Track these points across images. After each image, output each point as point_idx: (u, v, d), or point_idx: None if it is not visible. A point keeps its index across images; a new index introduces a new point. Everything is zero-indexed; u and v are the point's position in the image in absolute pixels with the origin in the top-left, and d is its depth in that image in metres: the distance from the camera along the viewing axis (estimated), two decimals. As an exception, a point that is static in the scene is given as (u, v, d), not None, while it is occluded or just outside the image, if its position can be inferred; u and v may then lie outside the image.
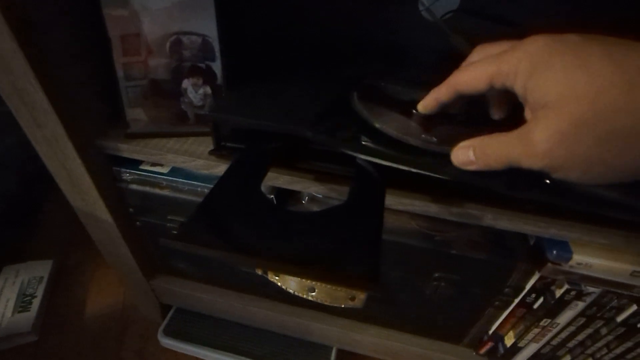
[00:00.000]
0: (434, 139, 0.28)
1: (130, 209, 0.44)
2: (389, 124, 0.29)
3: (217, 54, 0.37)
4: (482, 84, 0.21)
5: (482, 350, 0.47)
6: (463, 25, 0.45)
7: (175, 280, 0.54)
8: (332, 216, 0.25)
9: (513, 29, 0.45)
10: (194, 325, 0.59)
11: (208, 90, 0.39)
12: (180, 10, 0.35)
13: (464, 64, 0.26)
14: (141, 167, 0.41)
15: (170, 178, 0.40)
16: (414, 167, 0.27)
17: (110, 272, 0.66)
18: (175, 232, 0.45)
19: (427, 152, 0.27)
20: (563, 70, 0.17)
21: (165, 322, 0.60)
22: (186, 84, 0.38)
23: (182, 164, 0.37)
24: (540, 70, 0.18)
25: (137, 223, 0.46)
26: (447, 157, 0.24)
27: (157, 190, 0.41)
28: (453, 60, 0.48)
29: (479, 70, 0.22)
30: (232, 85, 0.38)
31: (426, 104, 0.27)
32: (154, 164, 0.41)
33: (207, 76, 0.38)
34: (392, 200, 0.34)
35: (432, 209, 0.34)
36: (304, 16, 0.46)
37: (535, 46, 0.19)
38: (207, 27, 0.36)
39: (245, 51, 0.40)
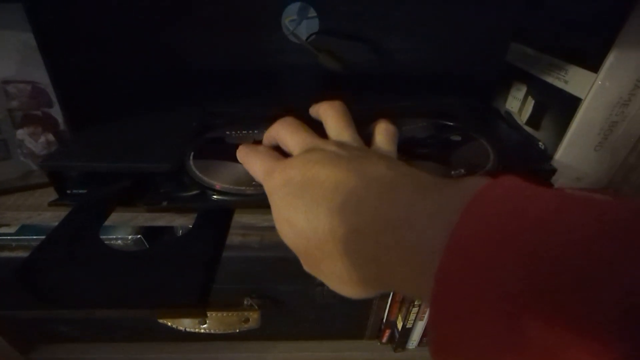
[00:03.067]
0: None
1: (-20, 280, 0.39)
2: (225, 180, 0.31)
3: (54, 99, 0.36)
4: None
5: (384, 339, 0.50)
6: (327, 44, 0.50)
7: (60, 347, 0.49)
8: (169, 248, 0.25)
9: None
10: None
11: (50, 137, 0.37)
12: (2, 59, 0.33)
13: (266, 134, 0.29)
14: (-18, 231, 0.36)
15: (20, 237, 0.37)
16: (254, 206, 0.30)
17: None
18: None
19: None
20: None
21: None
22: (21, 134, 0.35)
23: (28, 220, 0.34)
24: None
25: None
26: None
27: (6, 253, 0.37)
28: (325, 78, 0.52)
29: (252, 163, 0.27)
30: (77, 130, 0.36)
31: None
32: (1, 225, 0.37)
33: (46, 123, 0.36)
34: (256, 219, 0.36)
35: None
36: (155, 49, 0.46)
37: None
38: (36, 72, 0.34)
39: (88, 94, 0.39)
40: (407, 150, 0.32)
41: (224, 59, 0.50)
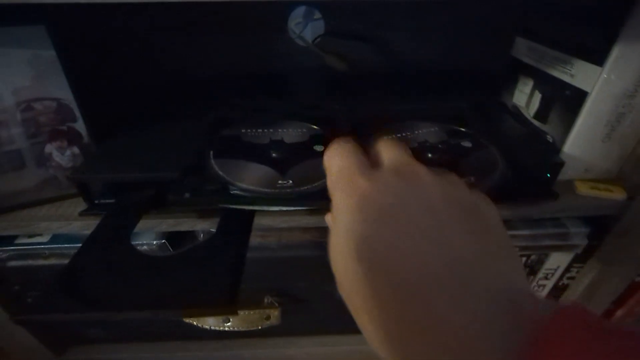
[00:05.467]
0: (290, 182, 0.31)
1: (16, 287, 0.42)
2: (245, 180, 0.31)
3: (78, 114, 0.37)
4: None
5: (400, 332, 0.52)
6: (333, 46, 0.51)
7: (92, 348, 0.51)
8: (197, 251, 0.27)
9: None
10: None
11: (76, 150, 0.38)
12: (27, 78, 0.35)
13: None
14: (17, 241, 0.39)
15: (52, 246, 0.39)
16: (276, 206, 0.31)
17: None
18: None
19: (284, 197, 0.30)
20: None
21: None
22: (49, 148, 0.37)
23: (59, 230, 0.36)
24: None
25: (29, 300, 0.43)
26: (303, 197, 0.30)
27: (41, 261, 0.39)
28: (332, 79, 0.53)
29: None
30: (100, 142, 0.38)
31: None
32: (31, 235, 0.39)
33: (72, 137, 0.38)
34: (274, 221, 0.37)
35: (310, 220, 0.38)
36: (168, 60, 0.48)
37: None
38: (60, 90, 0.36)
39: (108, 106, 0.41)
40: (416, 157, 0.33)
41: (233, 64, 0.51)
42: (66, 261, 0.40)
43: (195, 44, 0.48)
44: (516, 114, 0.45)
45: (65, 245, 0.39)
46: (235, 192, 0.31)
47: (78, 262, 0.25)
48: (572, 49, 0.35)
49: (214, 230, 0.29)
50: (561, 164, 0.35)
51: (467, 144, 0.36)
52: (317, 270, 0.44)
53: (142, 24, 0.45)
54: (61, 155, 0.38)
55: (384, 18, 0.50)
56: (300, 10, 0.51)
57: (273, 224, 0.38)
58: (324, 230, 0.44)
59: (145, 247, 0.39)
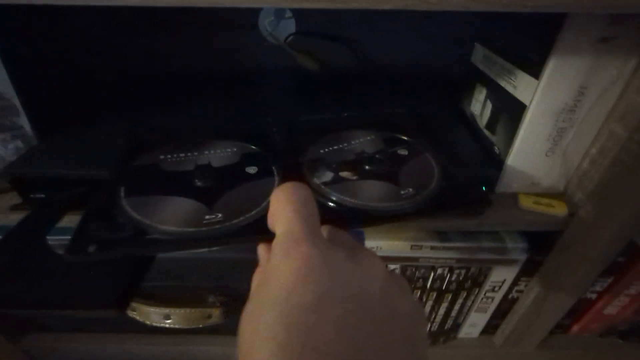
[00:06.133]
0: (219, 216, 0.26)
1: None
2: (166, 220, 0.26)
3: (20, 108, 0.38)
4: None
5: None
6: (304, 45, 0.50)
7: (46, 336, 0.52)
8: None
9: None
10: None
11: (19, 144, 0.39)
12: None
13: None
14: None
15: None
16: (203, 247, 0.27)
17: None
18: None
19: (212, 235, 0.25)
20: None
21: (51, 381, 0.57)
22: (-9, 141, 0.38)
23: (-2, 222, 0.37)
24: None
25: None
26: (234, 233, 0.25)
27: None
28: (303, 79, 0.52)
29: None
30: (44, 136, 0.39)
31: None
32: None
33: (15, 131, 0.38)
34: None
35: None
36: (123, 55, 0.48)
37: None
38: (1, 85, 0.36)
39: (52, 101, 0.41)
40: (356, 168, 0.32)
41: (198, 61, 0.51)
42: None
43: (156, 37, 0.48)
44: (470, 122, 0.44)
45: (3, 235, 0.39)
46: (155, 236, 0.25)
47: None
48: (516, 59, 0.34)
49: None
50: (494, 177, 0.34)
51: (403, 152, 0.35)
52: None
53: (94, 17, 0.45)
54: (4, 149, 0.38)
55: (354, 20, 0.49)
56: (271, 8, 0.50)
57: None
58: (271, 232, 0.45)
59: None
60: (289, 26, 0.51)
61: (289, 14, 0.51)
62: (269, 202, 0.20)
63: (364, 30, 0.49)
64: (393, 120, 0.41)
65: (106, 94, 0.47)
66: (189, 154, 0.33)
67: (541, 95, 0.31)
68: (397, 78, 0.52)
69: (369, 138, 0.37)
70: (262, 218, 0.24)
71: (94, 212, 0.27)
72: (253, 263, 0.44)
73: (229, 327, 0.48)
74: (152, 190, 0.28)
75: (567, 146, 0.35)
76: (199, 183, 0.30)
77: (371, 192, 0.29)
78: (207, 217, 0.26)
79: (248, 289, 0.49)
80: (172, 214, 0.26)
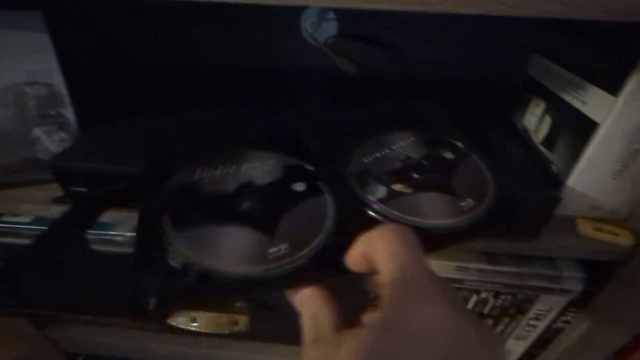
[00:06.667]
0: (286, 248, 0.22)
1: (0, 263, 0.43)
2: (225, 257, 0.22)
3: (68, 101, 0.38)
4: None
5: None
6: (345, 47, 0.49)
7: (73, 327, 0.53)
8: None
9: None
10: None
11: (64, 136, 0.39)
12: (21, 62, 0.35)
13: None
14: (2, 219, 0.40)
15: (34, 227, 0.40)
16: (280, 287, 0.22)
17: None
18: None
19: (287, 272, 0.21)
20: None
21: (73, 371, 0.57)
22: (38, 132, 0.38)
23: (38, 213, 0.37)
24: None
25: None
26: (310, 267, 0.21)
27: (21, 240, 0.40)
28: (340, 80, 0.50)
29: None
30: (87, 129, 0.39)
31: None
32: (16, 214, 0.40)
33: (60, 123, 0.38)
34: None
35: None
36: (169, 53, 0.48)
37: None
38: (53, 76, 0.37)
39: (98, 95, 0.41)
40: (407, 179, 0.29)
41: (239, 60, 0.50)
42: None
43: (198, 38, 0.48)
44: (522, 137, 0.41)
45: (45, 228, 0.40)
46: (220, 281, 0.21)
47: (21, 256, 0.25)
48: (587, 73, 0.32)
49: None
50: (556, 200, 0.31)
51: (449, 155, 0.32)
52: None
53: (142, 14, 0.45)
54: (50, 140, 0.39)
55: (398, 23, 0.47)
56: (314, 9, 0.49)
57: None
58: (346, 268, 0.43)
59: (119, 238, 0.39)
60: (331, 28, 0.50)
61: (331, 16, 0.50)
62: (328, 227, 0.18)
63: (408, 34, 0.47)
64: (432, 118, 0.38)
65: (148, 90, 0.46)
66: (226, 169, 0.29)
67: (618, 113, 0.29)
68: (440, 87, 0.50)
69: (410, 140, 0.34)
70: (327, 247, 0.22)
71: (143, 254, 0.23)
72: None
73: (255, 333, 0.47)
74: (199, 220, 0.24)
75: (637, 170, 0.32)
76: (247, 207, 0.25)
77: (430, 207, 0.26)
78: (271, 249, 0.22)
79: (275, 297, 0.46)
80: (231, 249, 0.22)
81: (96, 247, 0.26)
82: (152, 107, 0.43)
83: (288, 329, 0.48)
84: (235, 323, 0.42)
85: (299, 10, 0.47)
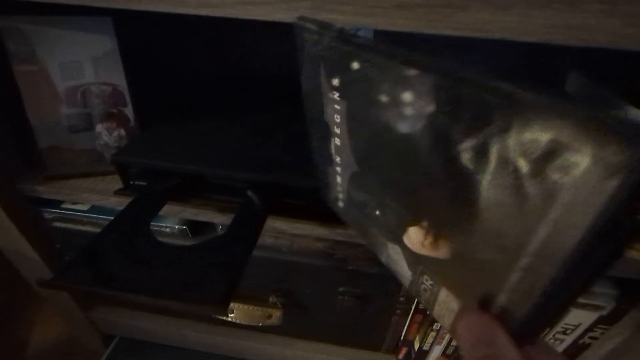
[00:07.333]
0: None
1: (58, 245, 0.47)
2: None
3: (129, 99, 0.41)
4: None
5: (400, 355, 0.51)
6: None
7: (114, 310, 0.56)
8: (205, 247, 0.28)
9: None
10: (136, 353, 0.60)
11: (122, 132, 0.42)
12: (89, 63, 0.39)
13: None
14: (62, 205, 0.43)
15: (90, 215, 0.43)
16: None
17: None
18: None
19: None
20: None
21: (108, 352, 0.61)
22: (100, 128, 0.41)
23: (97, 202, 0.40)
24: None
25: (67, 258, 0.48)
26: None
27: (79, 227, 0.44)
28: None
29: None
30: (145, 127, 0.42)
31: None
32: (75, 202, 0.44)
33: (120, 120, 0.42)
34: (287, 226, 0.38)
35: (322, 231, 0.38)
36: (224, 57, 0.51)
37: None
38: (117, 77, 0.40)
39: (156, 96, 0.44)
40: None
41: (284, 64, 0.52)
42: (98, 230, 0.45)
43: (260, 41, 0.49)
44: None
45: (102, 216, 0.43)
46: None
47: (100, 240, 0.28)
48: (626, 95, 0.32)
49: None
50: None
51: None
52: (324, 280, 0.45)
53: (199, 23, 0.48)
54: (109, 136, 0.42)
55: (436, 45, 0.49)
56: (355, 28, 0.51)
57: (286, 229, 0.39)
58: (335, 242, 0.45)
59: (168, 229, 0.42)
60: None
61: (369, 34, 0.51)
62: None
63: (442, 55, 0.48)
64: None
65: (200, 95, 0.49)
66: None
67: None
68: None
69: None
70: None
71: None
72: (315, 270, 0.45)
73: (286, 329, 0.49)
74: None
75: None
76: None
77: None
78: None
79: (308, 295, 0.48)
80: None
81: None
82: (203, 111, 0.45)
83: (318, 327, 0.50)
84: (269, 317, 0.44)
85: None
